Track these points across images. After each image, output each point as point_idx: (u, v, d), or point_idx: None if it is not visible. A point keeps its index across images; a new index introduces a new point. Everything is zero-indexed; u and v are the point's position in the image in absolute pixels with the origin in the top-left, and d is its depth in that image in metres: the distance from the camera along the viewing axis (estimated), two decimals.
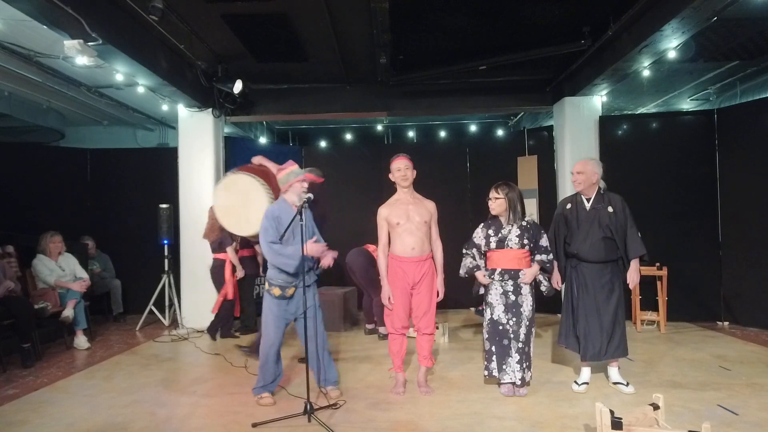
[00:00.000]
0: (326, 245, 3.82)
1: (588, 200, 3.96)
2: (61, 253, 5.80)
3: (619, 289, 3.89)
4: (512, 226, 3.91)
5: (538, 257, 3.89)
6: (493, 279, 3.92)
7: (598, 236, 3.86)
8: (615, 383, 3.97)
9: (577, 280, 3.97)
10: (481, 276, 3.96)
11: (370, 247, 5.89)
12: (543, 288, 3.93)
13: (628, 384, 3.92)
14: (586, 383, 3.98)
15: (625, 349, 3.93)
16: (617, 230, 3.83)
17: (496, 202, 3.93)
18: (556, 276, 4.07)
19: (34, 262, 5.63)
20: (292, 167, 3.90)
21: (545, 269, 3.91)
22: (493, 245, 3.93)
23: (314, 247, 3.67)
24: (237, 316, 6.08)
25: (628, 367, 4.38)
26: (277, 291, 3.74)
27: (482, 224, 4.05)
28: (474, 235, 4.05)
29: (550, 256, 3.90)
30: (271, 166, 4.52)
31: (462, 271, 4.07)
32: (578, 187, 3.99)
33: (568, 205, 4.05)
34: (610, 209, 3.86)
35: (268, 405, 3.73)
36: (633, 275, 3.84)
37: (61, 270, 5.71)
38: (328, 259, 3.76)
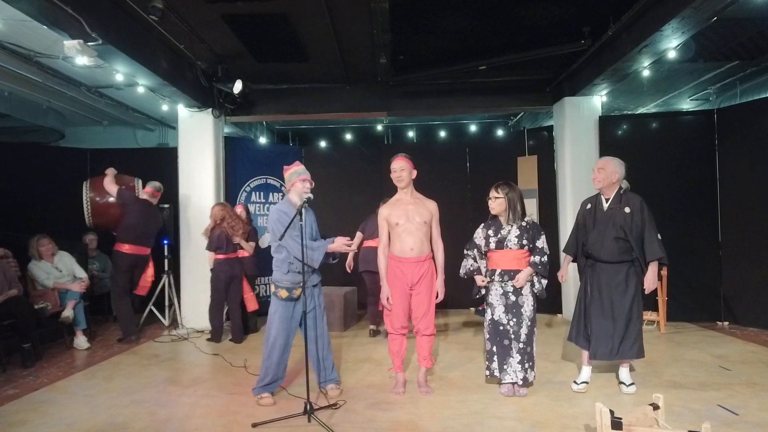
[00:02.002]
0: (348, 239, 3.86)
1: (607, 200, 3.93)
2: (55, 253, 5.75)
3: (634, 289, 3.83)
4: (512, 226, 3.90)
5: (532, 259, 3.87)
6: (493, 280, 3.92)
7: (611, 236, 3.82)
8: (620, 383, 3.97)
9: (591, 280, 3.95)
10: (479, 280, 3.96)
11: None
12: (535, 290, 3.88)
13: (629, 384, 3.91)
14: (586, 382, 3.98)
15: (639, 350, 3.85)
16: (632, 231, 3.77)
17: (496, 202, 3.93)
18: (563, 270, 4.10)
19: (30, 267, 5.60)
20: (296, 167, 3.92)
21: (538, 272, 3.87)
22: (492, 245, 3.93)
23: (339, 242, 3.76)
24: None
25: None
26: (284, 293, 3.74)
27: (483, 224, 4.05)
28: (475, 236, 4.05)
29: (545, 259, 3.86)
30: (109, 180, 5.88)
31: (461, 272, 4.07)
32: (597, 185, 3.95)
33: (588, 205, 4.03)
34: (627, 210, 3.81)
35: (268, 405, 3.73)
36: (650, 280, 3.75)
37: (58, 271, 5.69)
38: (350, 248, 3.87)
